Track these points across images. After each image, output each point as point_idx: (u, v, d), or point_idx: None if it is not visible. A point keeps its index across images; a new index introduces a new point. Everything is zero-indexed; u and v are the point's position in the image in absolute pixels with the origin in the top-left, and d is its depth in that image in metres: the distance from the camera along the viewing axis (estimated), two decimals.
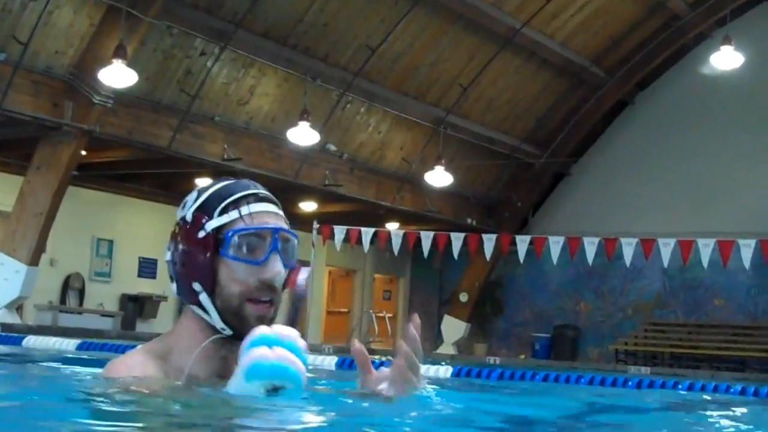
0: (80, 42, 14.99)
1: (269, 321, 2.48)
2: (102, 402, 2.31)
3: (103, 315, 19.27)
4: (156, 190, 20.98)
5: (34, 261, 15.42)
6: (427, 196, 22.10)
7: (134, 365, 2.47)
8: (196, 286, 2.46)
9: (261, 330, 2.28)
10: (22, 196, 15.43)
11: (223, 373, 2.45)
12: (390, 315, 25.77)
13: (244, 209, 2.49)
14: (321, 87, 18.53)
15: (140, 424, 2.09)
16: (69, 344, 6.92)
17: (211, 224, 2.47)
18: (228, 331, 2.47)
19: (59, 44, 14.86)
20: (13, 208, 15.55)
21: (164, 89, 16.72)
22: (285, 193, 20.40)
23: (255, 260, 2.45)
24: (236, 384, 2.23)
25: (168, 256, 2.54)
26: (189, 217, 2.50)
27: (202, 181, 16.94)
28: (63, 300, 19.65)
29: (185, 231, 2.50)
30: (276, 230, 2.49)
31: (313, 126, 17.62)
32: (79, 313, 19.13)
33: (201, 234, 2.47)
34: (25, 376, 3.50)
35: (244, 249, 2.45)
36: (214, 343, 2.48)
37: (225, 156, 17.76)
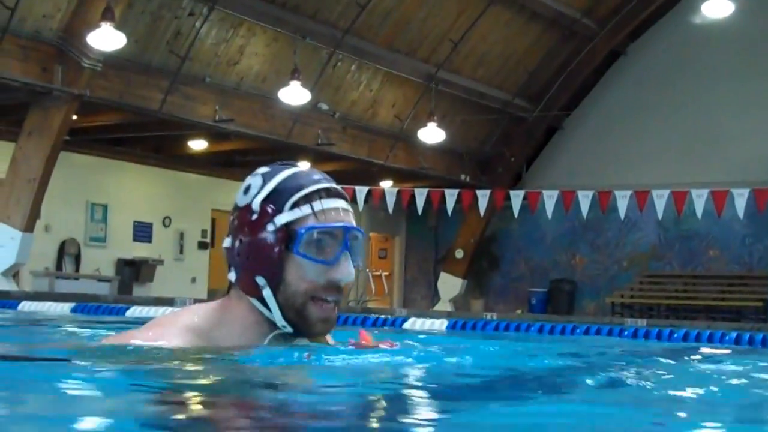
0: (68, 5, 14.87)
1: (333, 323, 2.44)
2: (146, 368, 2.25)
3: (99, 280, 19.27)
4: (148, 153, 20.95)
5: (28, 227, 15.41)
6: (420, 153, 22.07)
7: (172, 336, 2.37)
8: (260, 280, 2.37)
9: None
10: (15, 162, 15.38)
11: None
12: (386, 273, 25.84)
13: (317, 205, 2.39)
14: (311, 45, 18.42)
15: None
16: (64, 308, 6.94)
17: (282, 219, 2.37)
18: (289, 329, 2.41)
19: (46, 8, 14.75)
20: (6, 175, 15.52)
21: (154, 51, 16.63)
22: (278, 153, 20.34)
23: (326, 260, 2.37)
24: None
25: (227, 242, 2.44)
26: (256, 207, 2.39)
27: (195, 144, 16.67)
28: (59, 266, 19.65)
29: (252, 222, 2.39)
30: (348, 229, 2.40)
31: (304, 85, 17.56)
32: (76, 278, 19.14)
33: (270, 228, 2.37)
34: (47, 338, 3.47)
35: (316, 247, 2.37)
36: (273, 337, 2.42)
37: (217, 117, 17.70)
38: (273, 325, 2.42)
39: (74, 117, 15.86)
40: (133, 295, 18.52)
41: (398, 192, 19.12)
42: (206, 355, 2.34)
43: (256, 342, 2.42)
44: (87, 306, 7.18)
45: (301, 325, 2.40)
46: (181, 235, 21.94)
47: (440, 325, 6.02)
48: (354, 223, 2.44)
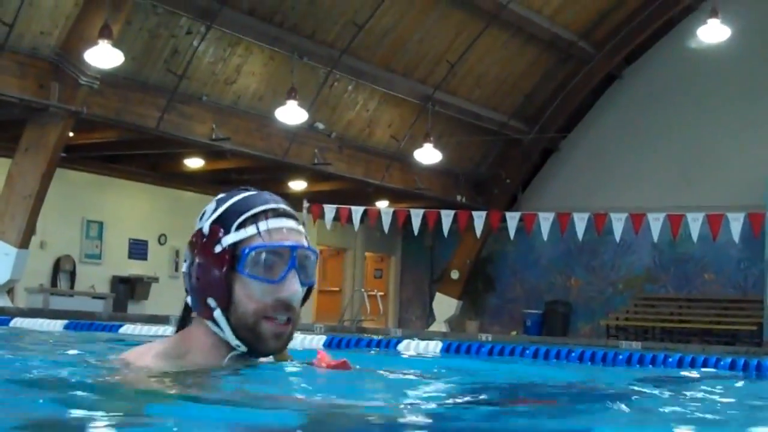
0: (65, 22, 14.89)
1: (287, 339, 2.46)
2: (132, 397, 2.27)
3: (94, 297, 19.21)
4: (145, 171, 20.94)
5: (23, 244, 15.38)
6: (416, 173, 22.08)
7: (150, 364, 2.44)
8: (211, 302, 2.41)
9: None
10: (11, 178, 15.37)
11: None
12: (382, 293, 25.79)
13: (262, 225, 2.42)
14: (308, 65, 18.46)
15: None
16: (56, 324, 6.93)
17: (228, 239, 2.41)
18: (243, 348, 2.43)
19: (44, 25, 14.76)
20: (2, 191, 15.50)
21: (151, 69, 16.65)
22: (274, 173, 20.37)
23: (272, 279, 2.40)
24: None
25: (185, 267, 2.50)
26: (206, 230, 2.45)
27: (191, 162, 16.76)
28: (54, 283, 19.61)
29: (202, 244, 2.44)
30: (294, 248, 2.42)
31: (301, 104, 17.57)
32: (71, 295, 19.09)
33: (217, 249, 2.41)
34: (25, 363, 3.46)
35: (261, 267, 2.40)
36: (230, 359, 2.45)
37: (213, 136, 17.71)
38: (230, 346, 2.45)
39: (70, 134, 15.86)
40: (128, 312, 18.47)
41: (394, 212, 19.12)
42: (171, 378, 2.37)
43: (216, 365, 2.45)
44: (80, 323, 7.17)
45: (255, 343, 2.42)
46: (177, 253, 21.91)
47: (434, 347, 6.01)
48: (304, 243, 2.46)
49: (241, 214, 2.43)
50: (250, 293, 2.40)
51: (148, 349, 2.52)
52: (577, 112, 24.29)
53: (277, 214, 2.46)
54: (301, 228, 2.49)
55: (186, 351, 2.48)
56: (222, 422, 1.95)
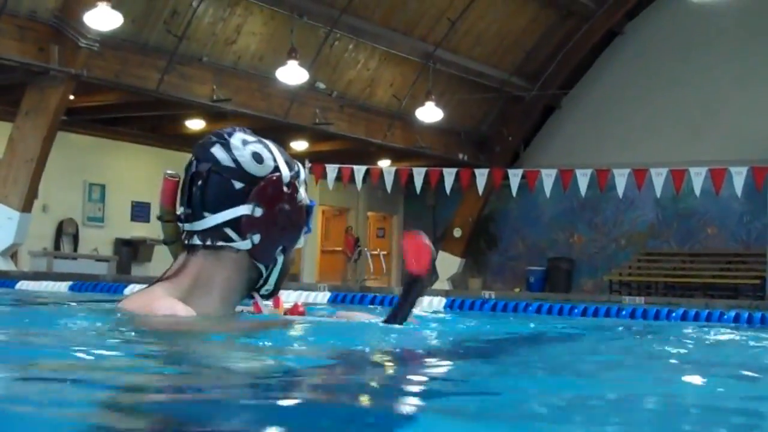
0: None
1: None
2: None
3: (97, 260, 19.27)
4: (146, 133, 20.93)
5: (26, 207, 15.42)
6: (417, 132, 22.05)
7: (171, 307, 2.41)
8: (280, 248, 2.57)
9: None
10: (12, 142, 15.38)
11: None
12: (384, 252, 25.85)
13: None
14: (308, 24, 18.38)
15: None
16: (62, 286, 6.98)
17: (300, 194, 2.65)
18: (269, 287, 2.56)
19: None
20: (4, 155, 15.51)
21: (150, 31, 16.58)
22: (275, 133, 20.29)
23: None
24: None
25: (256, 212, 2.50)
26: (286, 180, 2.55)
27: (192, 123, 16.70)
28: (57, 246, 19.65)
29: (282, 193, 2.61)
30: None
31: (301, 64, 17.52)
32: (74, 258, 19.14)
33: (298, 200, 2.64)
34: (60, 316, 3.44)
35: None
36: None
37: (214, 97, 17.68)
38: (246, 288, 2.60)
39: (71, 97, 15.84)
40: (132, 275, 18.52)
41: (396, 171, 19.11)
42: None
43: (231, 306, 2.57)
44: (85, 284, 7.22)
45: (279, 282, 2.60)
46: None
47: (438, 303, 6.04)
48: None
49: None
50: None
51: (164, 292, 2.46)
52: (578, 68, 24.20)
53: None
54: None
55: (208, 290, 2.45)
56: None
